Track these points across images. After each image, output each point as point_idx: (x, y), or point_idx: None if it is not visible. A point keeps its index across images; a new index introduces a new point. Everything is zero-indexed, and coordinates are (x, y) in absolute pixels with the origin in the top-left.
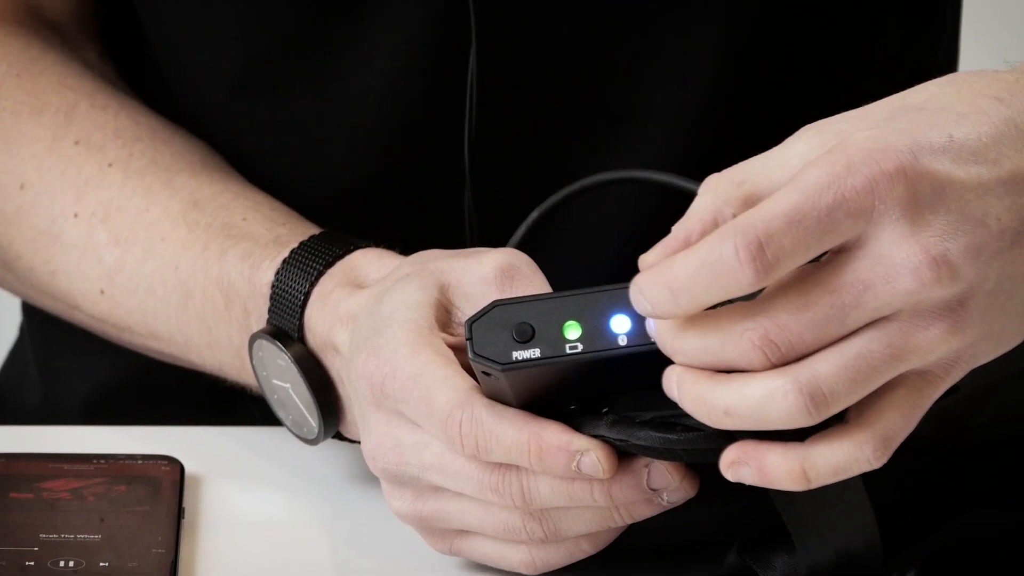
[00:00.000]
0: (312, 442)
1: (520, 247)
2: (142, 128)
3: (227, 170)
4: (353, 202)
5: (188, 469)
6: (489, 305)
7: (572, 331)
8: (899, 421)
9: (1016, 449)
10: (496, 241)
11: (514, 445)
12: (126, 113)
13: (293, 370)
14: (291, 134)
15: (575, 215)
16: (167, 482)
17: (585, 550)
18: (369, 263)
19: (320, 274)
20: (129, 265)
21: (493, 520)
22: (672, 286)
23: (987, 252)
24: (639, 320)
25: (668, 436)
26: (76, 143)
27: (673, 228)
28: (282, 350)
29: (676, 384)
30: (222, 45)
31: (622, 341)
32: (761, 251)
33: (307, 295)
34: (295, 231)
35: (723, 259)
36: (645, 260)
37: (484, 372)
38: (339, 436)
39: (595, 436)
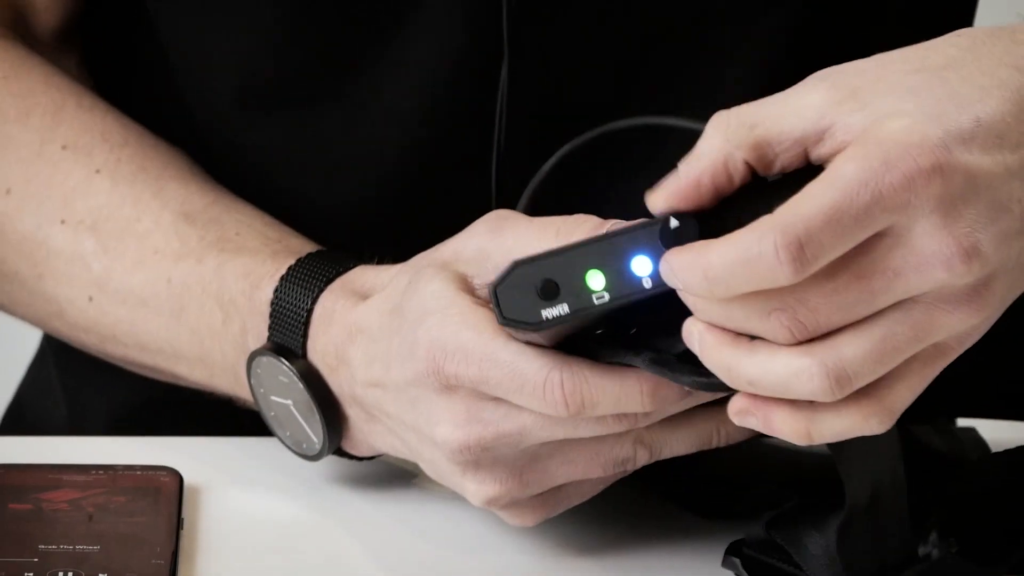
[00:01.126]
0: (314, 458)
1: (544, 186)
2: (130, 132)
3: (213, 181)
4: (377, 219)
5: (187, 479)
6: (510, 267)
7: (595, 280)
8: (907, 394)
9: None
10: None
11: (623, 391)
12: (113, 116)
13: (296, 386)
14: (317, 149)
15: (597, 162)
16: (166, 492)
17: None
18: (367, 275)
19: (321, 291)
20: (118, 274)
21: (603, 459)
22: (708, 275)
23: (1010, 236)
24: (660, 260)
25: (711, 381)
26: (64, 147)
27: (680, 165)
28: (286, 366)
29: (698, 343)
30: (250, 59)
31: (647, 284)
32: (801, 251)
33: (309, 312)
34: (291, 247)
35: (763, 256)
36: (652, 200)
37: (517, 331)
38: (339, 452)
39: (628, 365)
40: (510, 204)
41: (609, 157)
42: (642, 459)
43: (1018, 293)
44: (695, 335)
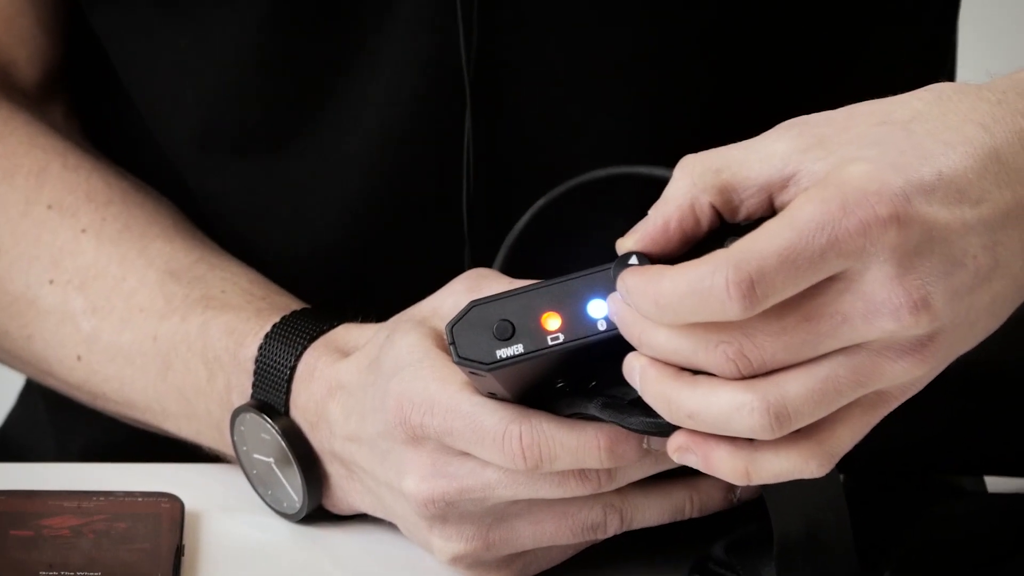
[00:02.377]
0: (293, 516)
1: (519, 241)
2: (114, 190)
3: (200, 236)
4: (344, 265)
5: (188, 506)
6: (467, 307)
7: (551, 322)
8: (847, 439)
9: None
10: None
11: (581, 446)
12: (98, 174)
13: (278, 444)
14: (281, 195)
15: (571, 214)
16: (167, 519)
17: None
18: (350, 333)
19: (304, 348)
20: (107, 334)
21: (572, 522)
22: (659, 301)
23: (962, 291)
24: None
25: (659, 421)
26: (49, 207)
27: (650, 210)
28: (269, 423)
29: (639, 376)
30: (211, 106)
31: (601, 326)
32: (752, 289)
33: (292, 369)
34: (275, 305)
35: (713, 290)
36: (622, 244)
37: (472, 372)
38: (320, 511)
39: (587, 415)
40: (481, 244)
41: (581, 206)
42: (613, 526)
43: (965, 349)
44: (636, 369)
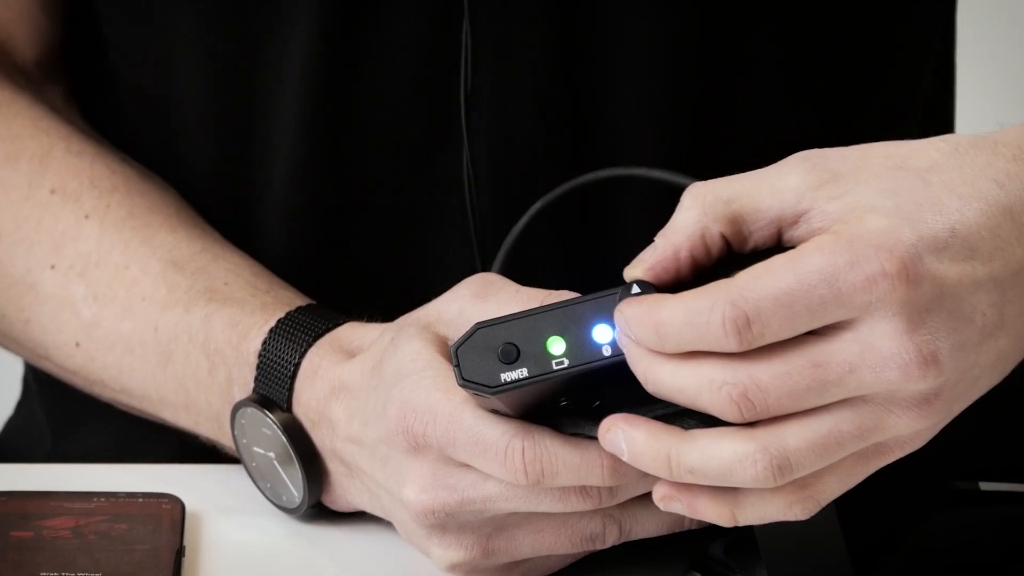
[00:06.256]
0: (292, 511)
1: (519, 242)
2: (118, 177)
3: (203, 225)
4: (349, 237)
5: (189, 507)
6: (472, 329)
7: (556, 346)
8: (835, 486)
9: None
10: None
11: (583, 463)
12: (102, 161)
13: (278, 438)
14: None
15: (571, 214)
16: (167, 520)
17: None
18: (355, 332)
19: (309, 346)
20: (107, 321)
21: (571, 532)
22: (659, 331)
23: (968, 346)
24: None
25: None
26: (52, 192)
27: (657, 238)
28: (270, 418)
29: (626, 443)
30: (212, 91)
31: (606, 351)
32: (747, 326)
33: (296, 367)
34: (280, 299)
35: (710, 324)
36: (631, 273)
37: (476, 394)
38: (319, 506)
39: (590, 437)
40: (484, 213)
41: (578, 207)
42: (611, 537)
43: (965, 404)
44: (620, 435)
